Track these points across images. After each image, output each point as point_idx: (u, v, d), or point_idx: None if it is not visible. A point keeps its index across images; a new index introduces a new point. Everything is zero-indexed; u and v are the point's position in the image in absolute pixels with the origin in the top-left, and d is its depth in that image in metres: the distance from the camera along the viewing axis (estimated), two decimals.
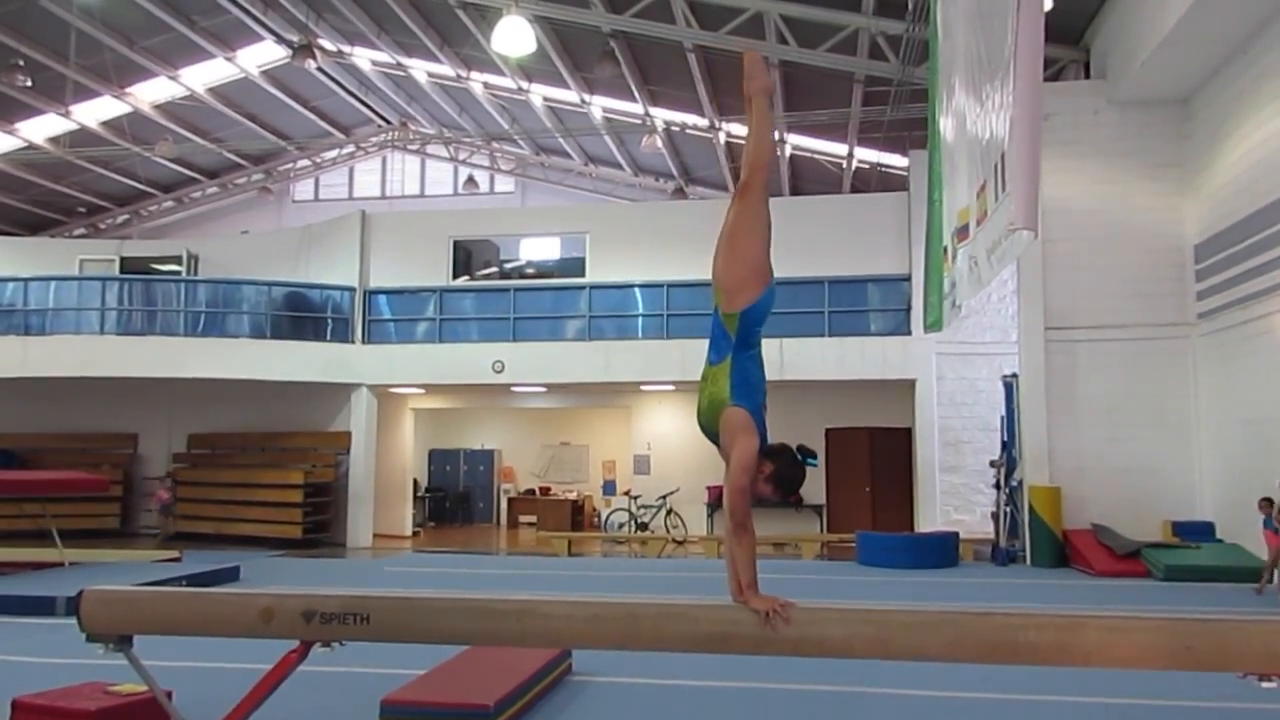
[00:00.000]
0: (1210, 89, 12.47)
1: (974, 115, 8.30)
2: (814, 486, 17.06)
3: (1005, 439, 13.89)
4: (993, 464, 14.08)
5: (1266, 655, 2.97)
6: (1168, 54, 11.74)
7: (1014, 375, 13.84)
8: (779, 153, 19.93)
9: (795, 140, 20.02)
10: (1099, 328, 13.36)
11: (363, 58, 20.29)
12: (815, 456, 3.50)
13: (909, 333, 15.35)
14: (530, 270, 19.66)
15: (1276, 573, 9.96)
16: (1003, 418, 14.06)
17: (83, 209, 25.13)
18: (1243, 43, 11.34)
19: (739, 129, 19.36)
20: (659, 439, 18.67)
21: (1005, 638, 3.10)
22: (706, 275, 3.62)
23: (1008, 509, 13.59)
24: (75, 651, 4.59)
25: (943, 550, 13.06)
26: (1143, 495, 12.93)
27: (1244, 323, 11.73)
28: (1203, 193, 12.81)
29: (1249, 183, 11.50)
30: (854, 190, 20.78)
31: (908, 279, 15.46)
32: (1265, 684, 3.03)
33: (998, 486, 13.86)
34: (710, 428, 3.44)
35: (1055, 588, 10.97)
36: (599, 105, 19.96)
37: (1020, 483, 13.41)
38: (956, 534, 13.66)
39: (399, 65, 20.12)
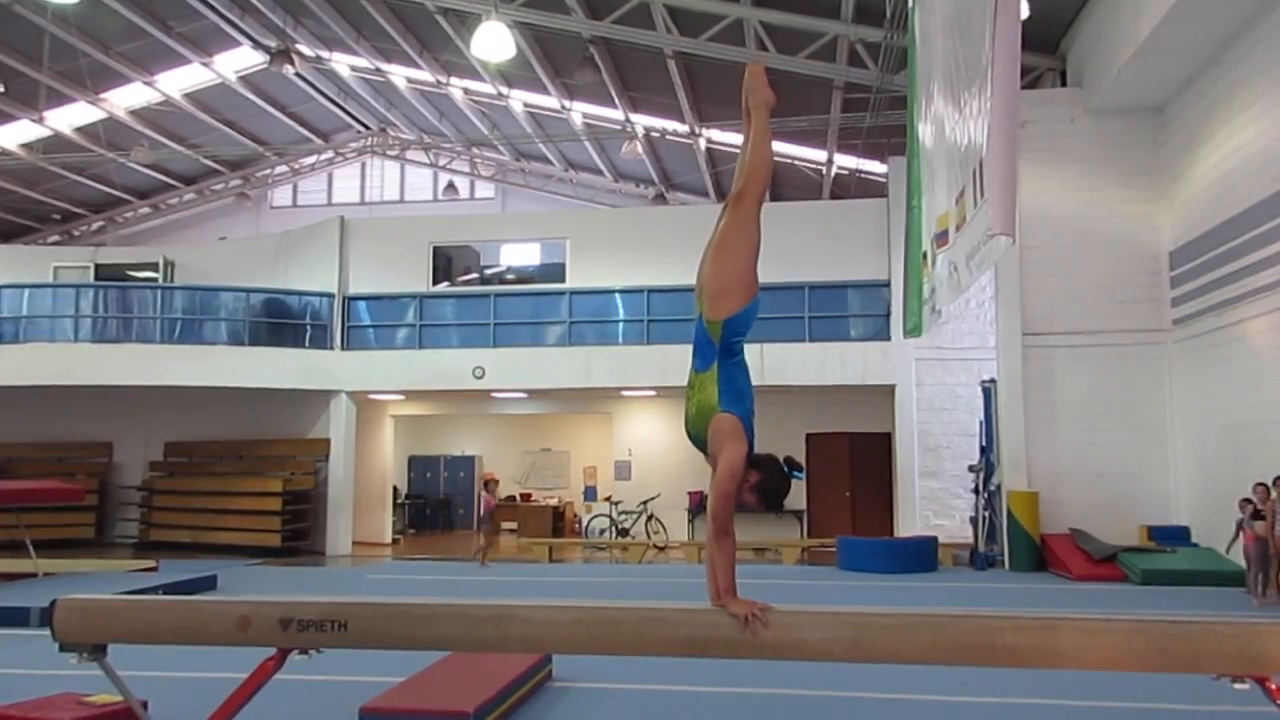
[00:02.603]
0: (1185, 97, 12.62)
1: (952, 122, 8.36)
2: (794, 491, 16.97)
3: (984, 444, 13.98)
4: (971, 469, 14.16)
5: (1239, 657, 3.00)
6: (1143, 63, 11.87)
7: (992, 381, 13.94)
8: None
9: (775, 146, 19.98)
10: (1076, 333, 13.48)
11: (341, 63, 20.22)
12: (802, 469, 3.52)
13: (889, 338, 15.43)
14: (511, 276, 19.63)
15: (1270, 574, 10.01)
16: (981, 423, 14.14)
17: (57, 216, 24.88)
18: (1217, 52, 11.49)
19: (719, 135, 19.44)
20: (640, 445, 18.67)
21: (983, 640, 3.12)
22: (687, 281, 3.63)
23: (986, 514, 13.67)
24: (49, 662, 4.54)
25: (922, 555, 13.13)
26: (1119, 500, 13.05)
27: (1218, 329, 11.86)
28: (1177, 200, 12.96)
29: (1223, 190, 11.64)
30: (833, 196, 20.87)
31: (887, 285, 15.53)
32: (1238, 686, 3.06)
33: (976, 491, 13.93)
34: (699, 435, 3.44)
35: (1033, 592, 11.03)
36: (579, 111, 19.97)
37: (999, 488, 13.50)
38: (935, 539, 13.72)
39: (378, 71, 20.06)
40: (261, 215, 25.73)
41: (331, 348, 16.87)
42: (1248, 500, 10.10)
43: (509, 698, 5.31)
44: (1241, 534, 10.25)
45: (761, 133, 3.69)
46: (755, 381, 3.52)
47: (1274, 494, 9.77)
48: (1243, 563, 10.41)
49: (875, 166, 19.13)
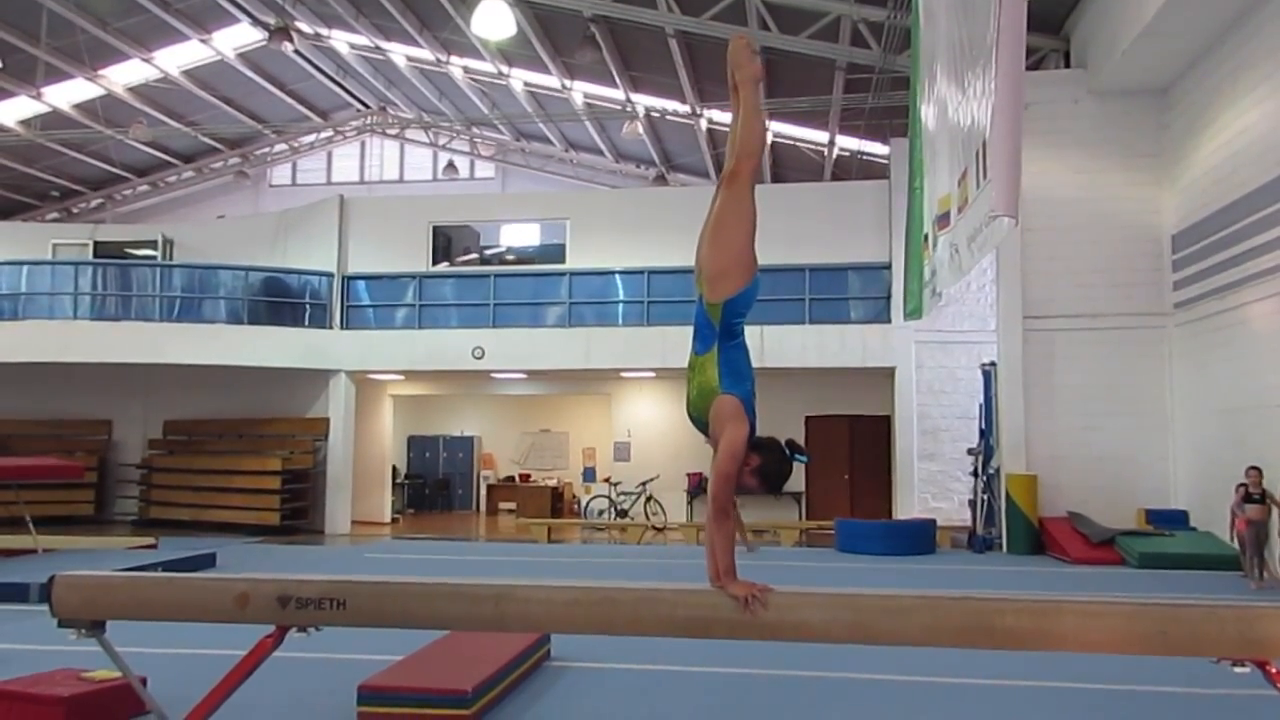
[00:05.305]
0: (1189, 79, 12.54)
1: (955, 103, 8.31)
2: (793, 474, 17.10)
3: (983, 427, 13.97)
4: (970, 452, 14.17)
5: (1240, 641, 2.99)
6: (1147, 44, 11.79)
7: (992, 364, 13.92)
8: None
9: (777, 127, 20.01)
10: (1076, 316, 13.45)
11: (341, 41, 20.10)
12: (805, 453, 3.49)
13: (889, 321, 15.40)
14: (510, 256, 19.59)
15: (1265, 557, 10.06)
16: (981, 406, 14.14)
17: (55, 193, 24.81)
18: (1222, 33, 11.41)
19: (720, 115, 19.34)
20: (639, 426, 18.67)
21: (982, 622, 3.11)
22: (688, 262, 3.60)
23: (985, 497, 13.68)
24: (48, 638, 4.54)
25: (920, 537, 13.15)
26: (1118, 483, 13.06)
27: (1219, 313, 11.83)
28: (1180, 183, 12.90)
29: (1226, 173, 11.59)
30: (835, 178, 20.80)
31: (888, 267, 15.49)
32: (1239, 670, 3.05)
33: (975, 474, 13.95)
34: (700, 417, 3.42)
35: (1031, 575, 11.05)
36: (580, 90, 19.87)
37: (997, 471, 13.50)
38: (934, 521, 13.74)
39: (377, 49, 19.94)
40: (260, 194, 25.66)
41: (331, 327, 16.84)
42: (1242, 484, 10.11)
43: (507, 677, 5.32)
44: (1234, 519, 10.28)
45: (751, 108, 3.60)
46: (755, 364, 3.50)
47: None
48: (1237, 546, 10.46)
49: (877, 148, 19.06)
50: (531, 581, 3.47)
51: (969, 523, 14.03)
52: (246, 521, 16.26)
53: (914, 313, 12.36)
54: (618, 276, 16.63)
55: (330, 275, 16.99)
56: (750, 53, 3.66)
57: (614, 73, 17.79)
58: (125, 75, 19.77)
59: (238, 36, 19.38)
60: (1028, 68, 12.48)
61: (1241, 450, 10.91)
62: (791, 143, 20.47)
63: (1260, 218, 10.76)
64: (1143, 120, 13.42)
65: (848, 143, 19.73)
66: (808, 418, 17.43)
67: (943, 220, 9.08)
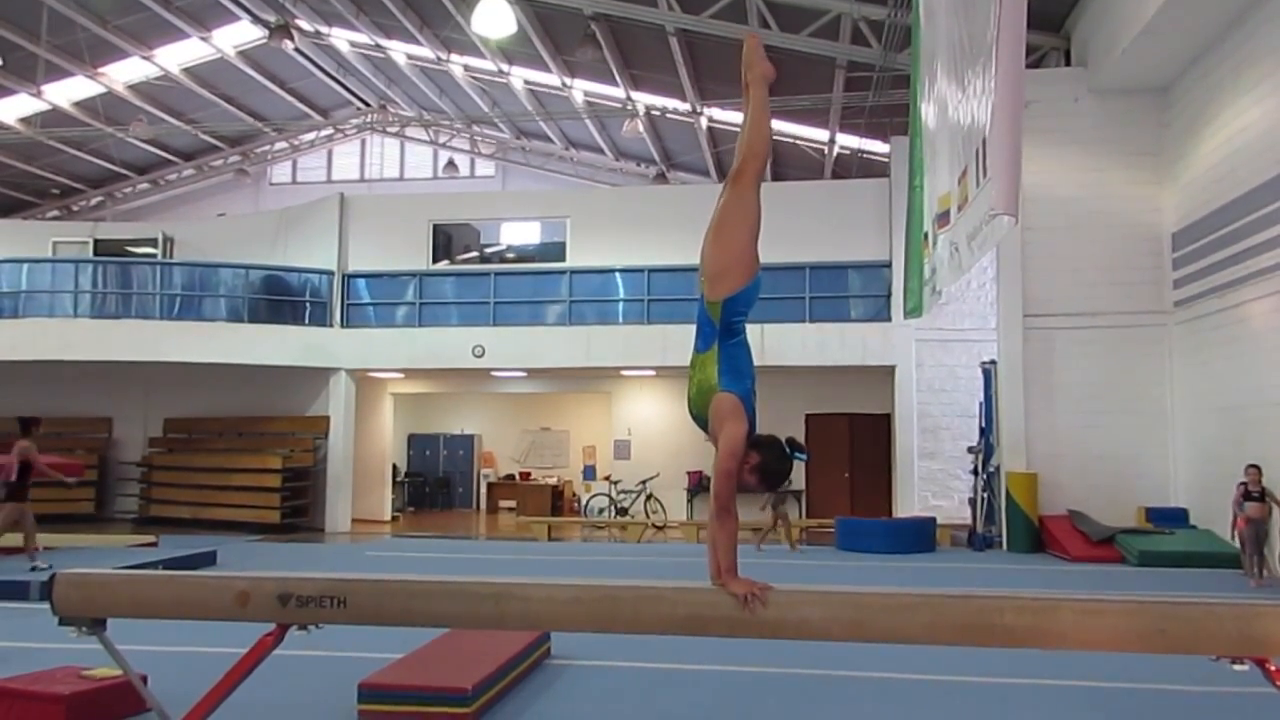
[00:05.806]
0: (1190, 78, 12.54)
1: (955, 101, 8.30)
2: (794, 472, 17.10)
3: (983, 425, 13.98)
4: (971, 450, 14.17)
5: (1239, 639, 2.99)
6: (1148, 42, 11.79)
7: (992, 362, 13.92)
8: None
9: (777, 125, 20.00)
10: (1077, 315, 13.46)
11: (341, 39, 20.09)
12: (805, 451, 3.49)
13: (889, 319, 15.40)
14: (511, 255, 19.58)
15: (1265, 555, 10.08)
16: (981, 404, 14.14)
17: (56, 191, 24.80)
18: (1222, 31, 11.41)
19: (720, 114, 19.35)
20: (639, 424, 18.68)
21: (982, 620, 3.11)
22: (688, 260, 3.61)
23: (985, 495, 13.69)
24: (49, 636, 4.55)
25: (920, 535, 13.15)
26: (1118, 482, 13.07)
27: (1219, 311, 11.84)
28: (1181, 181, 12.90)
29: (1226, 171, 11.59)
30: (835, 176, 20.80)
31: (888, 265, 15.49)
32: (1238, 667, 3.05)
33: (975, 473, 13.95)
34: (701, 415, 3.42)
35: (1031, 573, 11.05)
36: (580, 89, 19.86)
37: (998, 469, 13.51)
38: (934, 519, 13.75)
39: (378, 47, 19.94)
40: (261, 192, 25.67)
41: (331, 325, 16.84)
42: (1242, 482, 10.12)
43: (507, 675, 5.32)
44: (1234, 517, 10.29)
45: (760, 108, 3.62)
46: (755, 362, 3.50)
47: None
48: (1238, 545, 10.46)
49: (878, 146, 19.05)
50: (532, 579, 3.48)
51: (969, 521, 14.04)
52: (247, 519, 16.26)
53: (914, 311, 12.35)
54: (618, 275, 16.63)
55: (330, 273, 16.99)
56: (762, 51, 3.68)
57: (614, 71, 17.78)
58: (125, 73, 19.77)
59: (238, 34, 19.38)
60: (1028, 66, 12.48)
61: (1241, 448, 10.92)
62: (792, 141, 20.46)
63: (1260, 216, 10.76)
64: (1143, 118, 13.42)
65: (848, 141, 19.72)
66: (808, 416, 17.43)
67: (943, 218, 9.08)
